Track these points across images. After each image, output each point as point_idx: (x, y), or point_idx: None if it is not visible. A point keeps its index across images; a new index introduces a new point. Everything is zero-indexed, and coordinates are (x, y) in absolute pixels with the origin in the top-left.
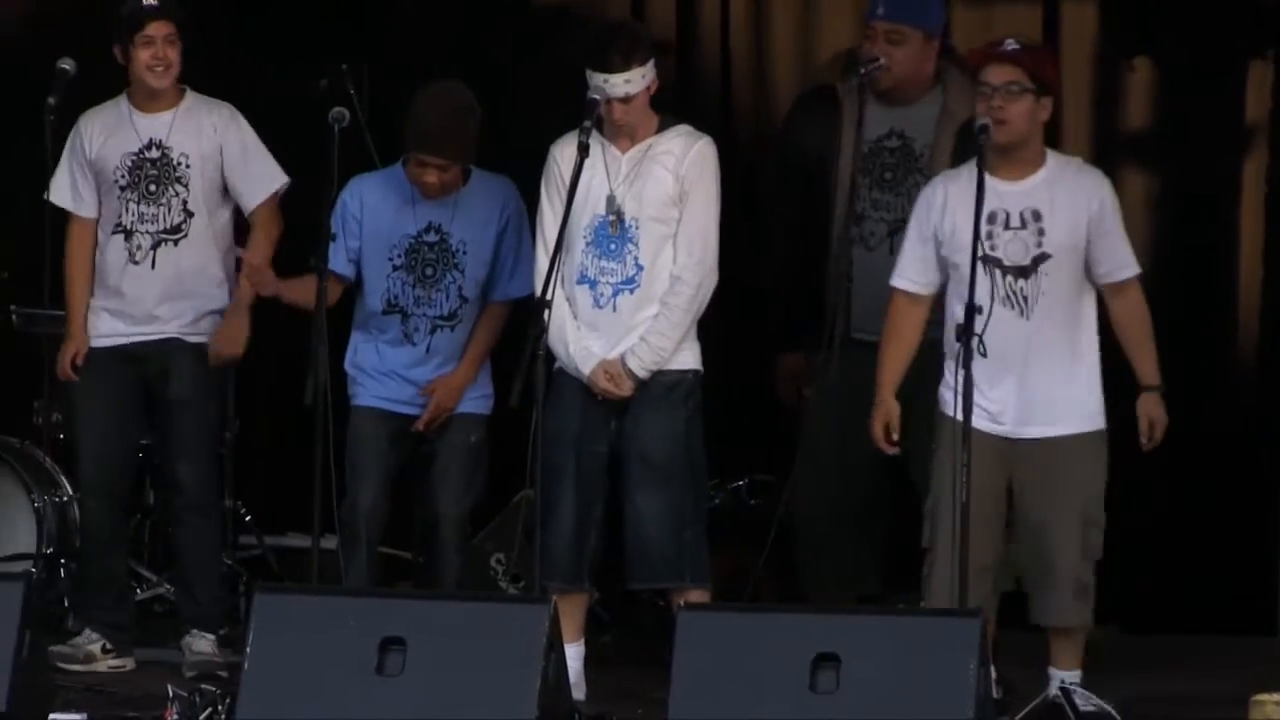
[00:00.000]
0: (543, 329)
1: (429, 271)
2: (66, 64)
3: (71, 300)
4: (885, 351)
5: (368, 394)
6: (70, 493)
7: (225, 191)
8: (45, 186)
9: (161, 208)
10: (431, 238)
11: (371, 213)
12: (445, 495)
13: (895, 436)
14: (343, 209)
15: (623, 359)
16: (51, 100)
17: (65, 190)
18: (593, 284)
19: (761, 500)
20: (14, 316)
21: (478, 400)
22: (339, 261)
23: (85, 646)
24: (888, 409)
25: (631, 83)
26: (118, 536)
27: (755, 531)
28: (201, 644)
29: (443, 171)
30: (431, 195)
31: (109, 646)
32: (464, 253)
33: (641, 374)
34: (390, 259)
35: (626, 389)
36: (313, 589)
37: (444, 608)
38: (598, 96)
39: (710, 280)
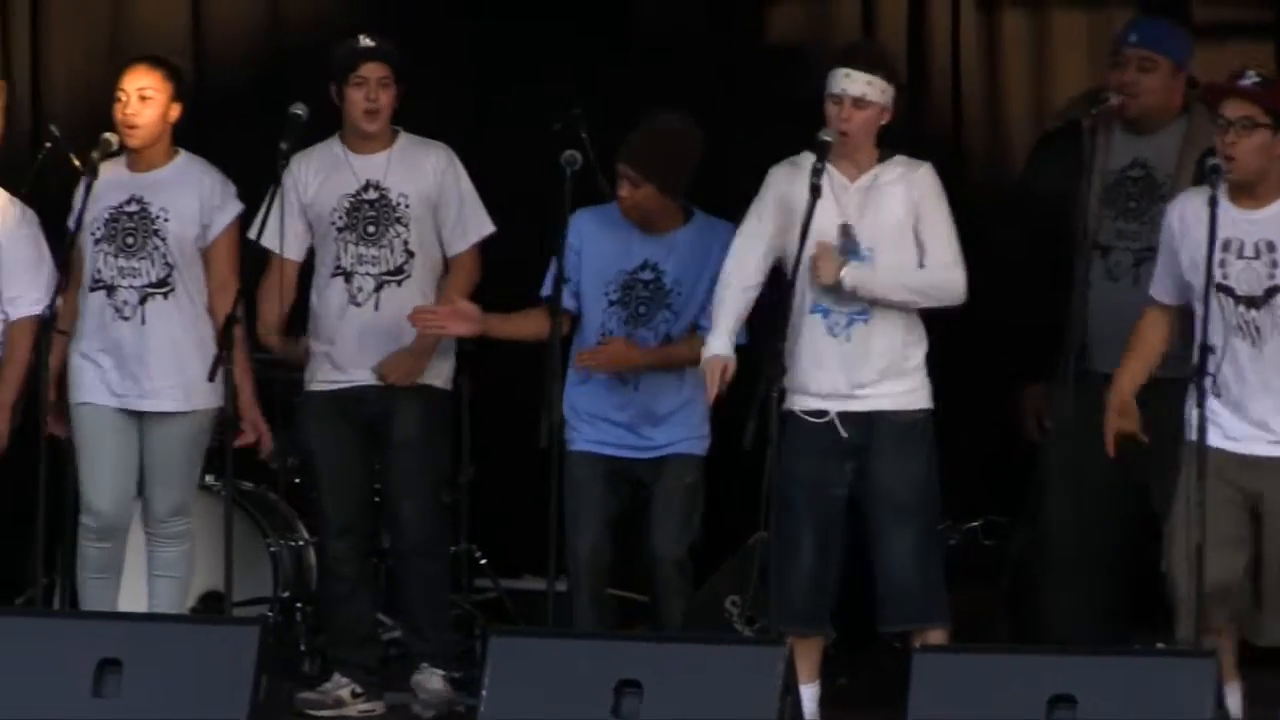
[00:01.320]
0: (780, 370)
1: (642, 310)
2: (299, 109)
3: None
4: (1125, 355)
5: (581, 438)
6: (306, 537)
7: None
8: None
9: (383, 249)
10: (647, 275)
11: (590, 246)
12: (662, 537)
13: (1132, 428)
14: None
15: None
16: (284, 146)
17: (274, 232)
18: (826, 313)
19: (996, 540)
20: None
21: (694, 441)
22: (564, 296)
23: (334, 692)
24: (1121, 400)
25: (872, 86)
26: (362, 578)
27: (990, 572)
28: (433, 681)
29: (634, 187)
30: (626, 212)
31: (358, 690)
32: (678, 293)
33: (848, 280)
34: (606, 294)
35: (827, 273)
36: (547, 632)
37: (678, 650)
38: (829, 138)
39: (959, 284)
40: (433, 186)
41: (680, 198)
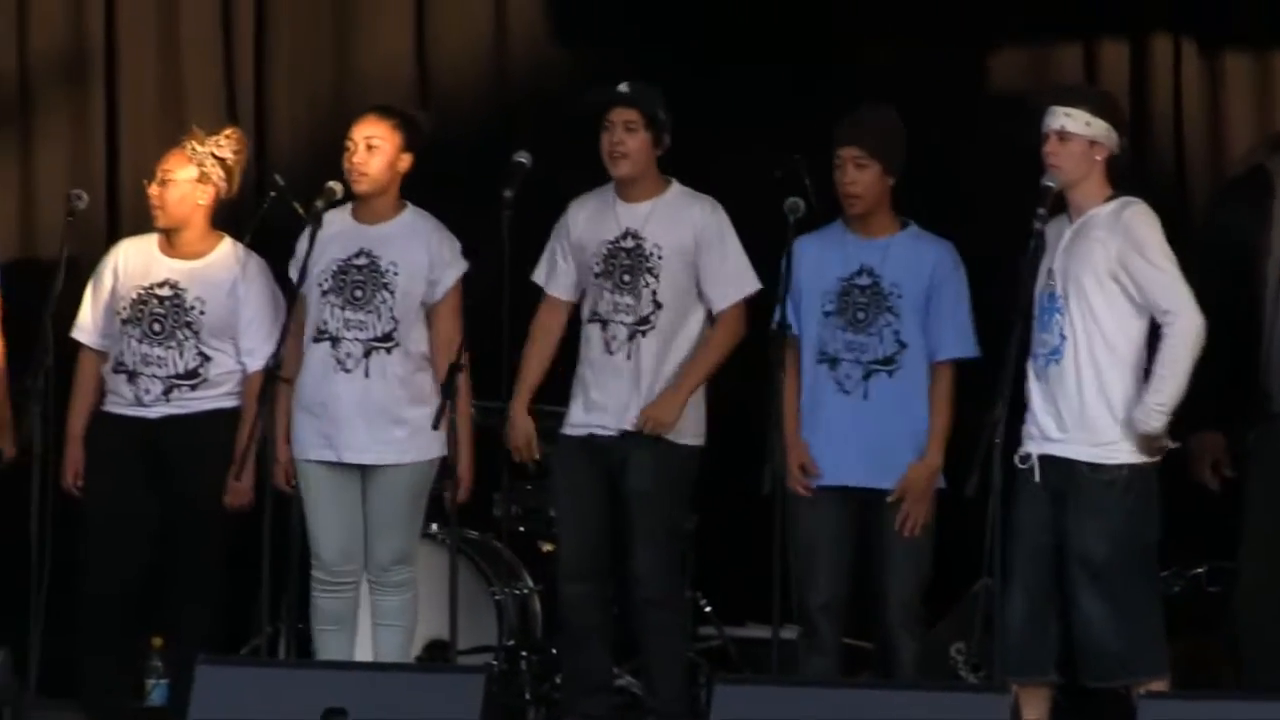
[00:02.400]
0: (1000, 418)
1: (860, 315)
2: (523, 157)
3: (524, 372)
4: None
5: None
6: (531, 585)
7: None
8: (501, 278)
9: (635, 299)
10: (864, 280)
11: (807, 263)
12: (892, 578)
13: None
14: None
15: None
16: (508, 193)
17: (542, 267)
18: (1034, 357)
19: (1220, 587)
20: (474, 411)
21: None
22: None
23: None
24: None
25: (1071, 118)
26: (601, 627)
27: (1214, 618)
28: None
29: (859, 169)
30: (850, 202)
31: None
32: (897, 295)
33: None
34: (822, 306)
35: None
36: (772, 680)
37: (905, 697)
38: (1050, 183)
39: (1194, 320)
40: (691, 240)
41: (896, 177)
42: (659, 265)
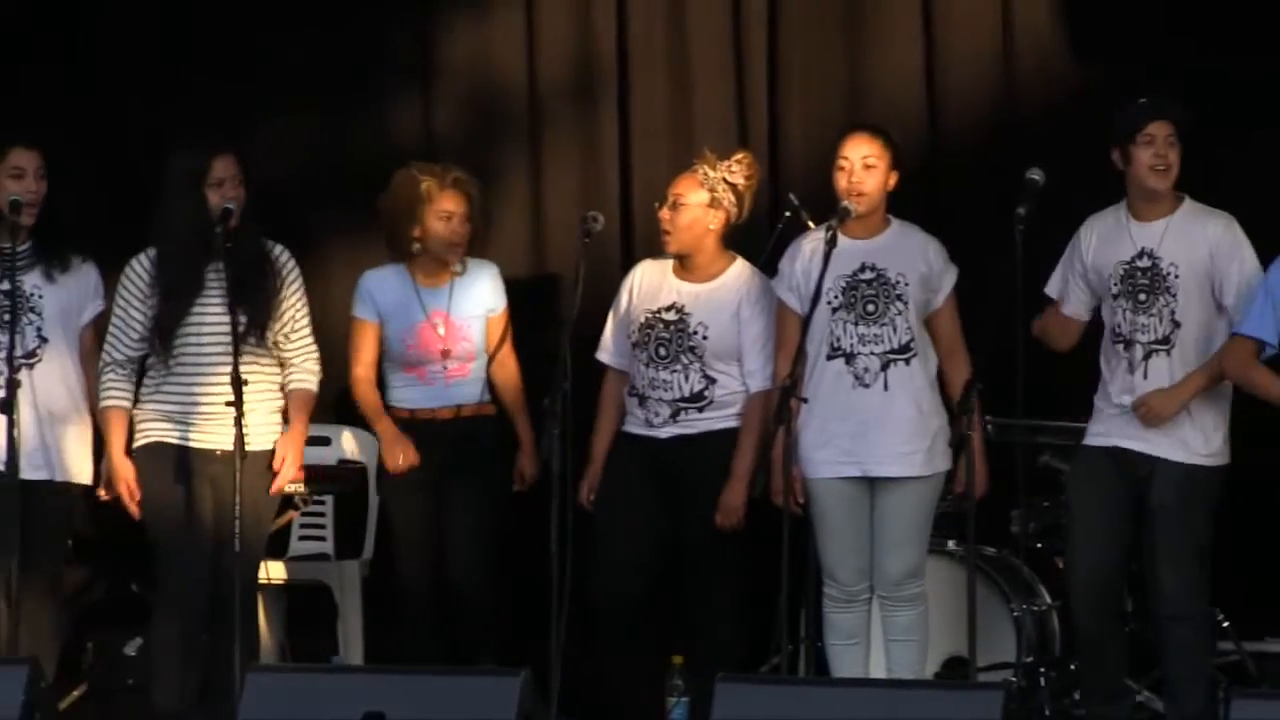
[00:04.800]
0: None
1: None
2: (1035, 174)
3: None
4: None
5: None
6: (1049, 601)
7: (1219, 307)
8: (1014, 295)
9: (1152, 318)
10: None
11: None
12: None
13: None
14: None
15: None
16: (1021, 210)
17: (1054, 283)
18: None
19: None
20: (989, 427)
21: None
22: None
23: None
24: None
25: None
26: (1112, 644)
27: None
28: None
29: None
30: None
31: None
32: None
33: None
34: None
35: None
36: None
37: None
38: None
39: None
40: (1205, 257)
41: None
42: (1176, 284)
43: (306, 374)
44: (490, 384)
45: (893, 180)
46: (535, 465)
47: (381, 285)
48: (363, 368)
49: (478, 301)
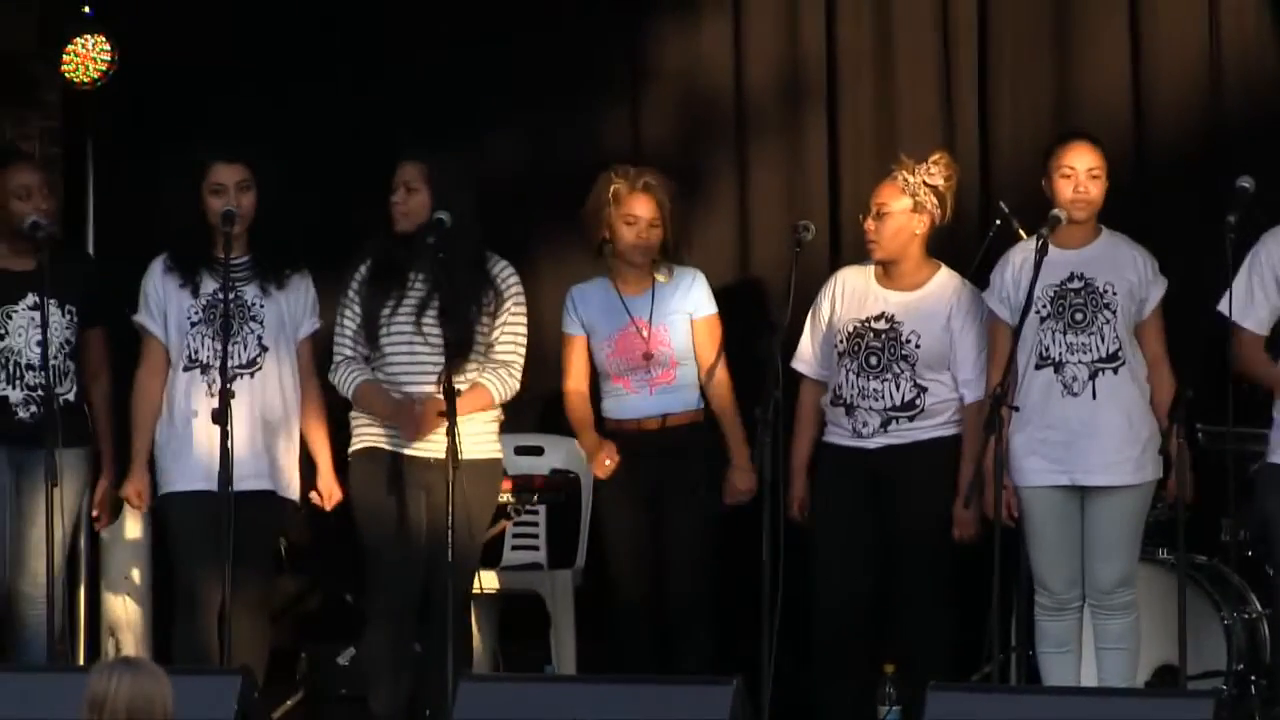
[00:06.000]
0: None
1: None
2: (1245, 182)
3: None
4: None
5: None
6: (1259, 609)
7: None
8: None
9: None
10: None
11: None
12: None
13: None
14: None
15: None
16: (1231, 219)
17: (1238, 299)
18: None
19: None
20: (1200, 435)
21: None
22: None
23: None
24: None
25: None
26: None
27: None
28: None
29: None
30: None
31: None
32: None
33: None
34: None
35: None
36: None
37: None
38: None
39: None
40: None
41: None
42: None
43: (496, 378)
44: (702, 394)
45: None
46: (747, 481)
47: (586, 298)
48: (573, 381)
49: (679, 306)
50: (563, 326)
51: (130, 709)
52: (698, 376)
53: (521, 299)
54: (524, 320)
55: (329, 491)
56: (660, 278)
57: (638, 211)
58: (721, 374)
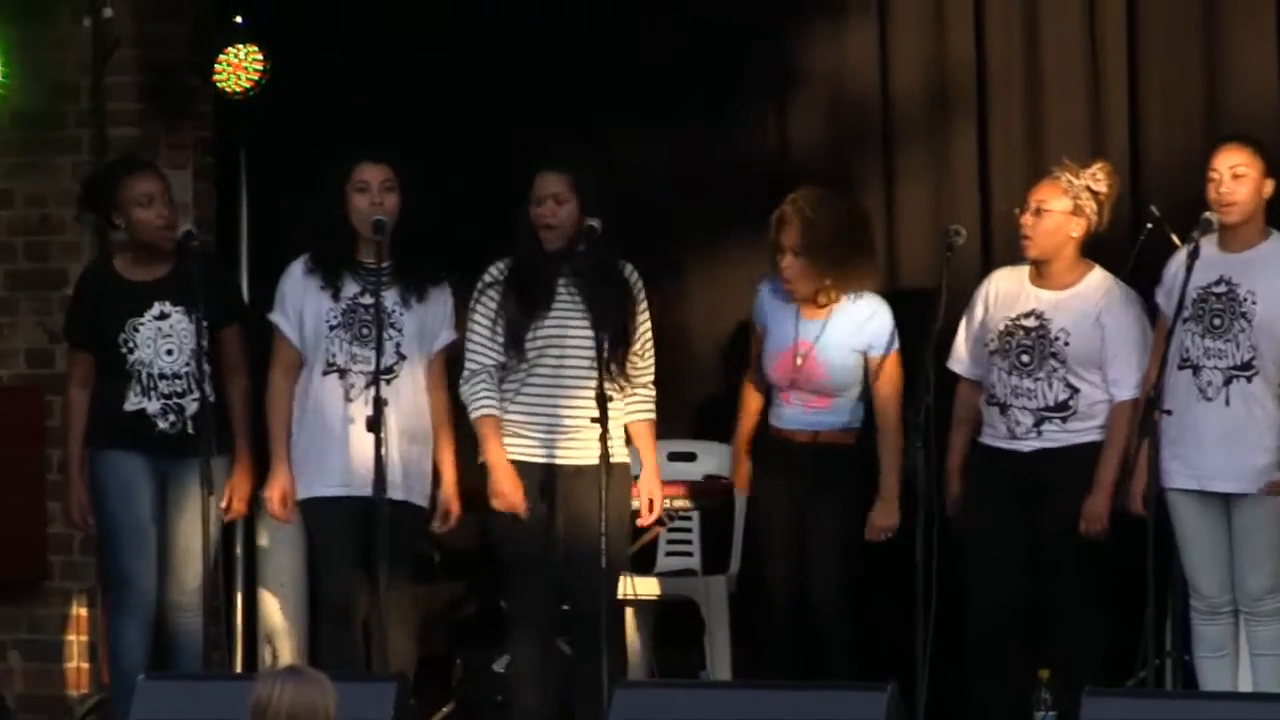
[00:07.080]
0: None
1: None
2: None
3: None
4: None
5: None
6: None
7: None
8: None
9: None
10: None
11: None
12: None
13: None
14: None
15: None
16: None
17: None
18: None
19: None
20: None
21: None
22: None
23: None
24: None
25: None
26: None
27: None
28: None
29: None
30: None
31: None
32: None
33: None
34: None
35: None
36: None
37: None
38: None
39: None
40: None
41: None
42: None
43: (647, 401)
44: (864, 410)
45: (1268, 189)
46: (888, 518)
47: (773, 298)
48: (753, 370)
49: (849, 341)
50: (753, 315)
51: (292, 716)
52: (859, 399)
53: (645, 301)
54: (650, 324)
55: (449, 508)
56: (838, 300)
57: (785, 241)
58: (893, 410)
